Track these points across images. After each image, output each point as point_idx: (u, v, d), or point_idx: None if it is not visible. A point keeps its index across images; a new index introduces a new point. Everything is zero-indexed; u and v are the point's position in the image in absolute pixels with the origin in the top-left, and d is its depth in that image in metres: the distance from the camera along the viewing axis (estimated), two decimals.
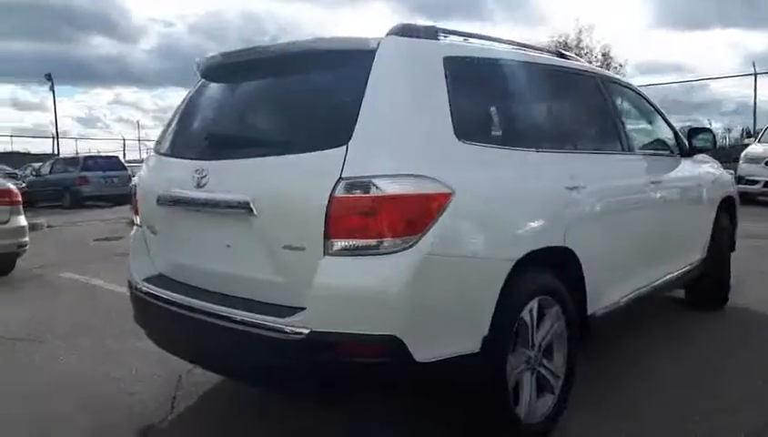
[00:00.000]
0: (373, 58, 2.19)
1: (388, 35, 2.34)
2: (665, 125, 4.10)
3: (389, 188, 1.99)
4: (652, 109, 4.04)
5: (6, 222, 6.02)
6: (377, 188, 1.98)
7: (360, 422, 2.78)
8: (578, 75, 3.25)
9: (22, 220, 6.19)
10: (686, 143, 4.06)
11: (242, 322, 2.19)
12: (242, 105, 2.63)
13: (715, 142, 4.05)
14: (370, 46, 2.23)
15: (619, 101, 3.70)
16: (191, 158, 2.52)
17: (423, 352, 2.04)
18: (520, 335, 2.47)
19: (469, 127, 2.38)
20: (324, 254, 2.02)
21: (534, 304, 2.50)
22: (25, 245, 6.18)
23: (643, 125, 4.03)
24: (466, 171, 2.25)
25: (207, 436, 2.81)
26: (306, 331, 2.01)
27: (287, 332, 2.04)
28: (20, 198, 6.22)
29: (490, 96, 2.64)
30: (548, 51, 3.35)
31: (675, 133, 4.09)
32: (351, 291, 2.01)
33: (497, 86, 2.65)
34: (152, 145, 3.00)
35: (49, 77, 34.29)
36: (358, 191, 1.98)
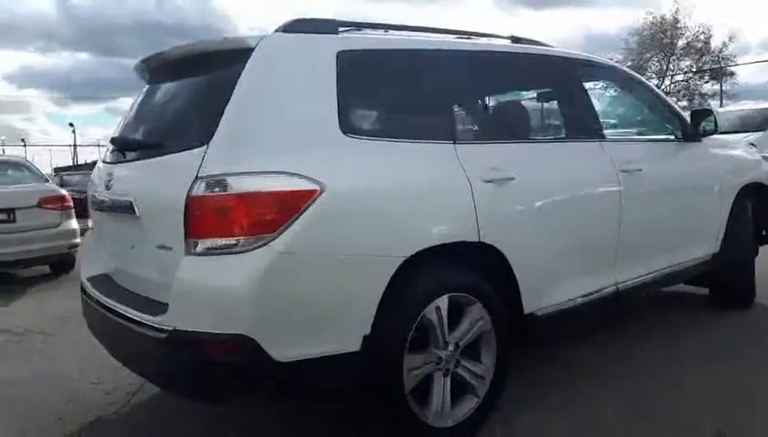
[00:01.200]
0: (249, 57, 2.19)
1: (276, 31, 2.34)
2: (664, 109, 3.76)
3: (242, 185, 1.98)
4: (648, 93, 3.72)
5: (59, 225, 6.61)
6: (230, 186, 1.98)
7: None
8: (521, 60, 3.03)
9: (73, 223, 6.77)
10: (690, 127, 3.70)
11: (131, 321, 2.27)
12: (145, 107, 2.71)
13: (716, 124, 3.64)
14: (249, 45, 2.23)
15: (595, 85, 3.45)
16: (107, 162, 2.66)
17: (283, 352, 2.01)
18: (425, 334, 2.38)
19: (362, 121, 2.33)
20: (186, 253, 2.05)
21: (442, 302, 2.39)
22: (77, 245, 6.73)
23: (633, 109, 3.72)
24: (347, 166, 2.20)
25: (147, 426, 2.93)
26: (169, 329, 2.05)
27: (156, 330, 2.09)
28: (71, 203, 6.79)
29: (390, 89, 2.53)
30: (501, 37, 3.16)
31: (678, 117, 3.73)
32: (205, 290, 2.02)
33: (400, 78, 2.54)
34: None
35: None
36: (212, 190, 1.99)
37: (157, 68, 2.68)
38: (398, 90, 2.54)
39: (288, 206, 2.00)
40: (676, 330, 3.78)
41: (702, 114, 3.68)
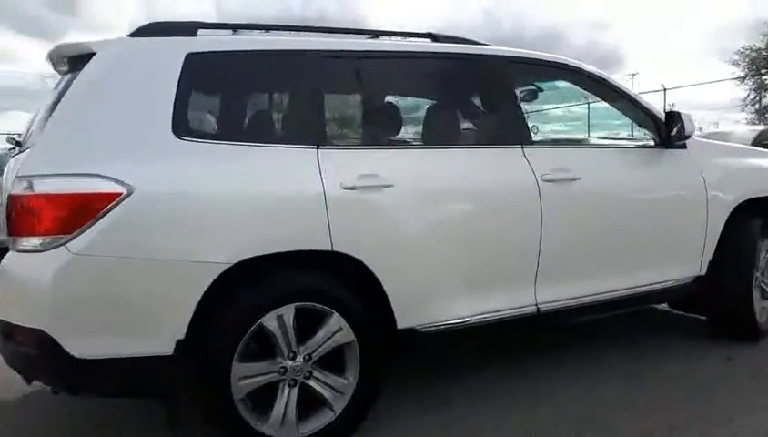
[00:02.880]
0: (88, 62, 2.28)
1: (127, 35, 2.40)
2: (637, 112, 3.33)
3: (43, 186, 2.07)
4: (616, 94, 3.31)
5: None
6: (34, 186, 2.08)
7: None
8: (412, 59, 2.80)
9: None
10: (665, 132, 3.25)
11: None
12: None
13: (681, 128, 3.15)
14: (91, 50, 2.31)
15: (543, 86, 3.15)
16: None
17: (82, 349, 2.07)
18: (268, 342, 2.34)
19: (203, 124, 2.32)
20: (11, 249, 2.18)
21: (287, 311, 2.33)
22: None
23: (595, 112, 3.33)
24: (171, 170, 2.21)
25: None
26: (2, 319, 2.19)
27: None
28: None
29: (243, 92, 2.49)
30: (418, 36, 2.96)
31: (655, 121, 3.29)
32: (15, 284, 2.14)
33: (255, 80, 2.49)
34: None
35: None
36: (23, 190, 2.10)
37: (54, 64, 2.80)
38: (251, 93, 2.50)
39: (88, 208, 2.06)
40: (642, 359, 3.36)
41: (672, 118, 3.22)
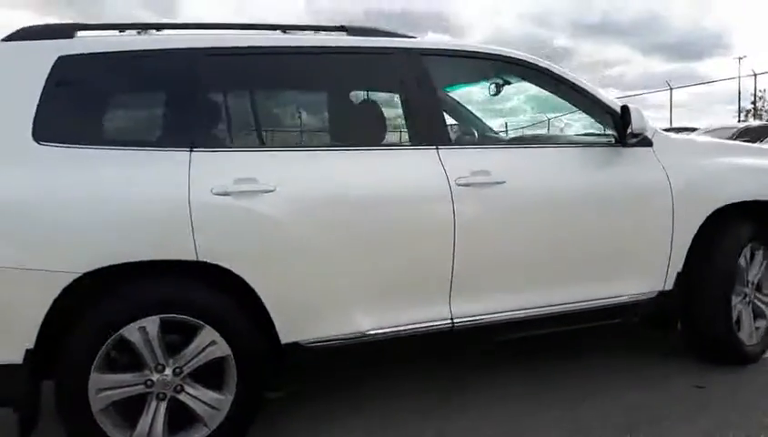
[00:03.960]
0: None
1: (1, 40, 2.38)
2: (592, 107, 2.98)
3: None
4: (564, 88, 2.96)
5: None
6: None
7: None
8: (314, 55, 2.58)
9: None
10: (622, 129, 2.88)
11: None
12: None
13: (625, 125, 2.77)
14: None
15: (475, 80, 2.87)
16: None
17: None
18: (132, 354, 2.26)
19: (66, 129, 2.27)
20: None
21: (150, 322, 2.25)
22: None
23: (538, 108, 3.01)
24: (22, 175, 2.16)
25: None
26: None
27: None
28: None
29: (117, 94, 2.40)
30: (330, 29, 2.75)
31: (612, 117, 2.92)
32: None
33: (130, 82, 2.39)
34: None
35: None
36: None
37: None
38: (125, 94, 2.42)
39: None
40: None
41: (623, 112, 2.84)
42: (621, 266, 2.91)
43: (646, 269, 2.94)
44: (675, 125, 20.23)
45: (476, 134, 3.29)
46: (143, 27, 2.53)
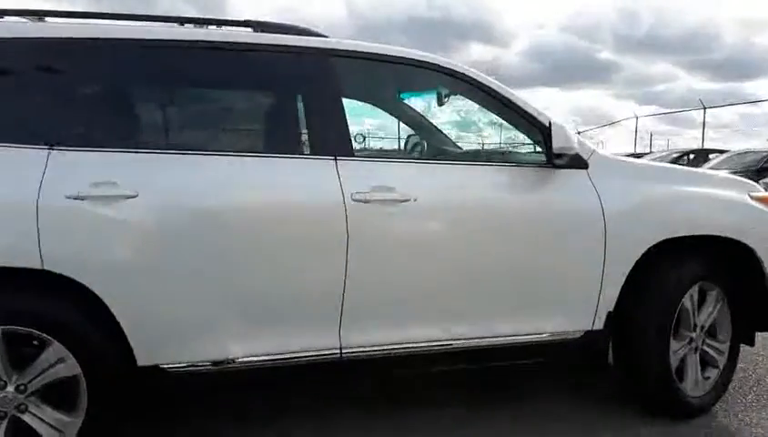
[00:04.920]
0: None
1: None
2: (525, 123, 2.70)
3: None
4: (496, 101, 2.67)
5: None
6: None
7: None
8: (200, 50, 2.35)
9: None
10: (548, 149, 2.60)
11: None
12: None
13: (548, 143, 2.49)
14: None
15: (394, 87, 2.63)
16: None
17: None
18: None
19: None
20: None
21: None
22: None
23: (459, 122, 2.74)
24: None
25: None
26: None
27: None
28: None
29: None
30: (238, 24, 2.53)
31: (541, 133, 2.64)
32: None
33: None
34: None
35: None
36: None
37: None
38: None
39: None
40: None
41: (547, 130, 2.56)
42: (542, 300, 2.62)
43: (572, 306, 2.65)
44: (707, 146, 19.53)
45: (395, 147, 3.06)
46: (27, 14, 2.36)
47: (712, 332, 2.96)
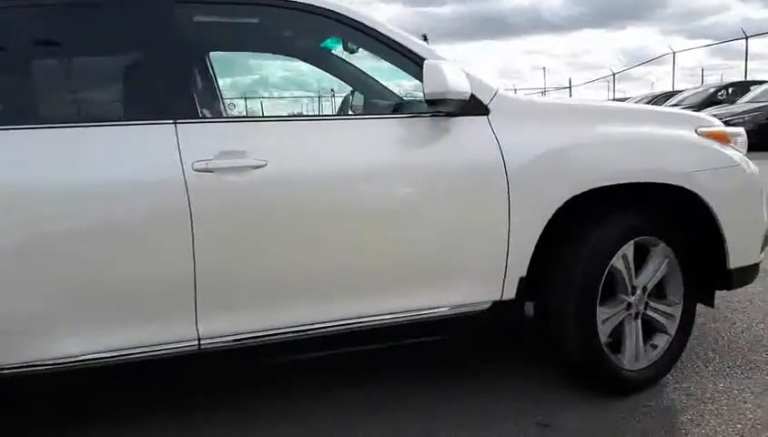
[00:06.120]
0: None
1: None
2: (406, 64, 2.31)
3: None
4: (368, 38, 2.30)
5: None
6: None
7: None
8: None
9: None
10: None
11: None
12: None
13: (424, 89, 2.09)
14: None
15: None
16: None
17: None
18: None
19: None
20: None
21: None
22: None
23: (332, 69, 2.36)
24: None
25: None
26: None
27: None
28: None
29: None
30: None
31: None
32: None
33: None
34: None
35: (425, 37, 38.75)
36: None
37: None
38: None
39: None
40: None
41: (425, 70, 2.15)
42: (436, 271, 2.27)
43: (473, 275, 2.29)
44: (751, 78, 18.15)
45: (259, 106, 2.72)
46: None
47: (659, 294, 2.55)
